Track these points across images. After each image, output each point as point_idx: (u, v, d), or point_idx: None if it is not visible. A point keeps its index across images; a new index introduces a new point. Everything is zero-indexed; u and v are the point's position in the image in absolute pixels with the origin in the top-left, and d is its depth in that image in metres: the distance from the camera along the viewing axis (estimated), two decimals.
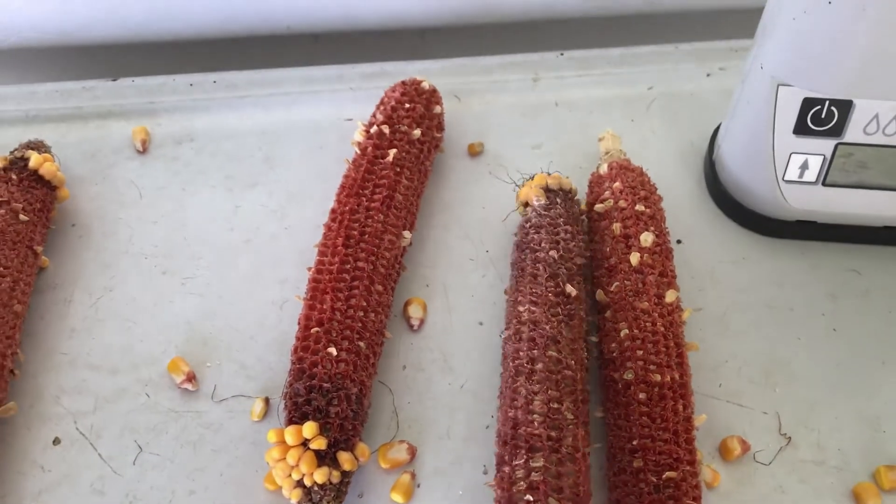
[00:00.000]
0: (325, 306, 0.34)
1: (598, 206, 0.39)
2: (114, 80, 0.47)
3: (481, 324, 0.38)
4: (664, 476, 0.31)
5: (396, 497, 0.33)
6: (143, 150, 0.44)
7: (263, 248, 0.41)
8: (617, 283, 0.36)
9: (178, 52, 0.52)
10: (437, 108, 0.42)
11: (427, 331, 0.38)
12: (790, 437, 0.35)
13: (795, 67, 0.35)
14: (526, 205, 0.39)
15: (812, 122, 0.37)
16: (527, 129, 0.45)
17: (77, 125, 0.45)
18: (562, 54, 0.48)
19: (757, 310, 0.39)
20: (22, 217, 0.38)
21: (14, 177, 0.39)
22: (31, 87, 0.47)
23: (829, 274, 0.40)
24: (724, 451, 0.35)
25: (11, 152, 0.41)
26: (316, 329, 0.34)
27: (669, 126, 0.45)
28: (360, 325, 0.34)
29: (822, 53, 0.34)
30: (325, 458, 0.32)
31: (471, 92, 0.47)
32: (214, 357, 0.37)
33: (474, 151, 0.44)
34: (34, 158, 0.40)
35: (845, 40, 0.33)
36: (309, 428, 0.31)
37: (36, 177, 0.40)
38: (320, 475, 0.31)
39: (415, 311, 0.38)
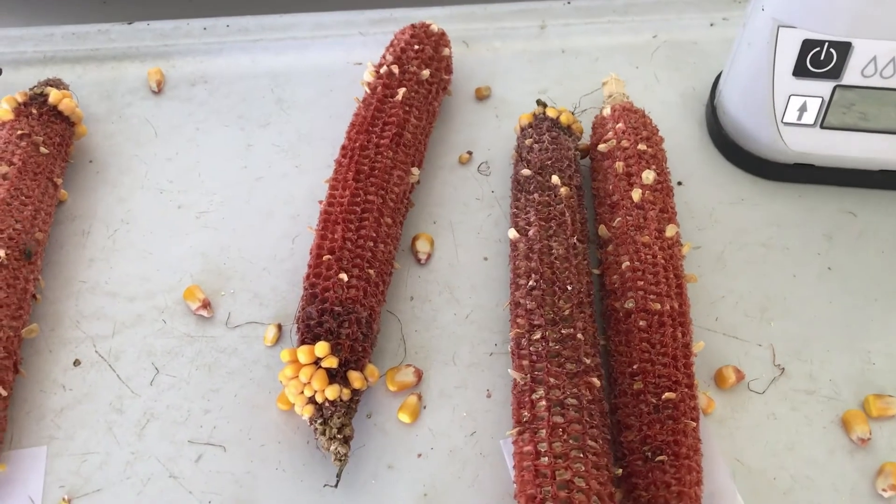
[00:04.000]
0: (336, 236, 0.36)
1: (602, 146, 0.40)
2: (129, 24, 0.48)
3: (486, 259, 0.39)
4: (663, 397, 0.32)
5: (403, 417, 0.35)
6: (159, 90, 0.45)
7: (275, 184, 0.42)
8: (619, 219, 0.37)
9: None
10: (446, 51, 0.43)
11: (434, 265, 0.39)
12: (783, 368, 0.36)
13: (796, 8, 0.36)
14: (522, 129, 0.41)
15: (811, 65, 0.38)
16: (533, 75, 0.46)
17: (93, 66, 0.46)
18: (569, 2, 0.49)
19: (754, 249, 0.40)
20: (42, 150, 0.39)
21: (34, 111, 0.40)
22: (49, 28, 0.48)
23: (825, 216, 0.41)
24: (719, 380, 0.36)
25: (31, 88, 0.42)
26: (328, 257, 0.35)
27: (673, 73, 0.46)
28: (369, 254, 0.36)
29: None
30: (335, 377, 0.33)
31: (479, 38, 0.48)
32: (228, 286, 0.38)
33: (481, 95, 0.45)
34: (53, 94, 0.41)
35: None
36: (321, 347, 0.33)
37: (55, 112, 0.41)
38: (331, 392, 0.32)
39: (422, 246, 0.39)
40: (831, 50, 0.37)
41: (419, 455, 0.34)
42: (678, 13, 0.48)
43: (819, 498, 0.33)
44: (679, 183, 0.42)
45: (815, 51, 0.37)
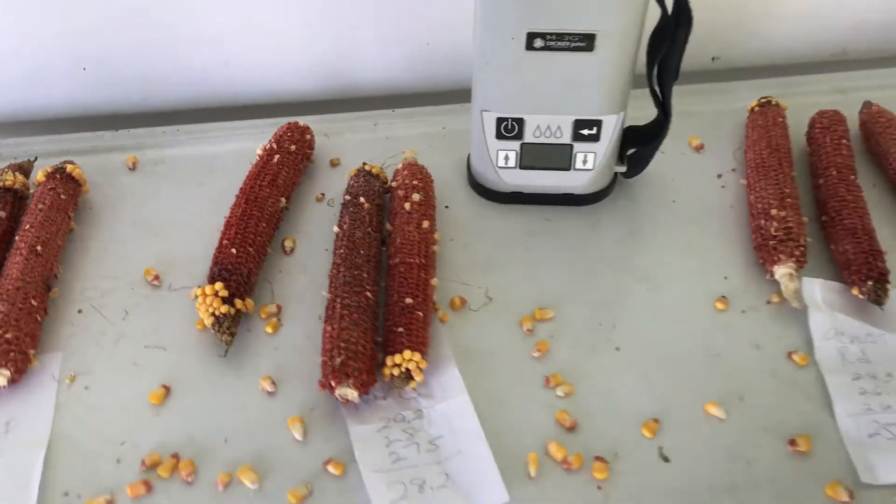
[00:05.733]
0: (231, 232, 0.62)
1: (394, 183, 0.67)
2: (115, 131, 0.76)
3: (326, 250, 0.66)
4: (406, 301, 0.58)
5: (268, 329, 0.60)
6: (133, 168, 0.73)
7: (208, 209, 0.68)
8: (397, 219, 0.64)
9: (157, 116, 0.82)
10: (308, 136, 0.72)
11: (296, 255, 0.66)
12: (491, 298, 0.62)
13: (490, 100, 0.65)
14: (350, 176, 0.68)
15: (505, 131, 0.66)
16: (367, 152, 0.74)
17: (94, 155, 0.74)
18: (393, 111, 0.78)
19: (486, 240, 0.67)
20: (62, 197, 0.66)
21: (58, 176, 0.68)
22: (66, 136, 0.76)
23: (530, 222, 0.68)
24: (452, 304, 0.62)
25: (56, 165, 0.69)
26: (226, 242, 0.62)
27: (451, 147, 0.74)
28: (250, 241, 0.62)
29: (501, 92, 0.64)
30: (226, 302, 0.59)
31: (336, 132, 0.76)
32: (179, 268, 0.64)
33: (334, 164, 0.73)
34: (69, 167, 0.69)
35: (511, 85, 0.63)
36: (218, 285, 0.59)
37: (70, 177, 0.68)
38: (224, 308, 0.58)
39: (288, 244, 0.66)
40: (514, 123, 0.65)
41: (276, 348, 0.59)
42: (460, 114, 0.77)
43: (505, 362, 0.58)
44: (447, 206, 0.69)
45: (504, 123, 0.65)
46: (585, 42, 0.58)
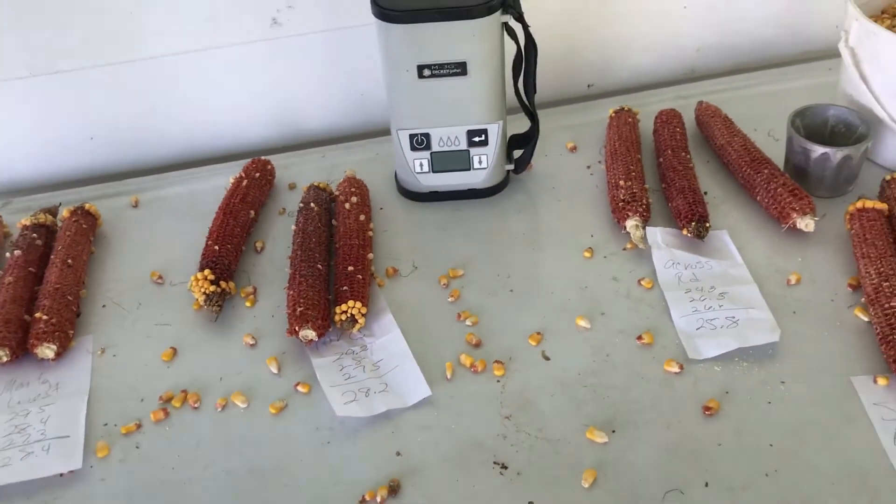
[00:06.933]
0: (214, 236, 0.82)
1: (337, 192, 0.88)
2: (122, 181, 0.97)
3: (288, 247, 0.85)
4: (349, 268, 0.77)
5: (247, 304, 0.79)
6: (136, 205, 0.93)
7: (197, 223, 0.88)
8: (340, 216, 0.84)
9: (151, 171, 1.02)
10: (269, 166, 0.93)
11: (265, 253, 0.86)
12: (416, 267, 0.82)
13: (400, 121, 0.85)
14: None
15: (417, 144, 0.86)
16: (318, 176, 0.95)
17: (106, 198, 0.94)
18: (338, 145, 0.99)
19: (412, 230, 0.87)
20: (83, 226, 0.86)
21: (79, 212, 0.88)
22: (81, 188, 0.96)
23: (444, 213, 0.88)
24: (387, 272, 0.81)
25: (76, 206, 0.89)
26: (210, 243, 0.81)
27: (383, 167, 0.95)
28: (229, 241, 0.82)
29: (408, 113, 0.85)
30: (213, 283, 0.78)
31: (292, 164, 0.97)
32: (177, 267, 0.84)
33: (291, 187, 0.94)
34: (87, 205, 0.89)
35: (413, 106, 0.84)
36: (207, 272, 0.78)
37: (87, 213, 0.88)
38: (212, 288, 0.77)
39: (259, 245, 0.86)
40: (422, 137, 0.86)
41: (254, 316, 0.78)
42: (387, 143, 0.98)
43: (428, 307, 0.77)
44: (381, 208, 0.89)
45: (415, 138, 0.86)
46: (460, 69, 0.79)
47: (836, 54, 0.90)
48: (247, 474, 0.66)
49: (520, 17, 0.80)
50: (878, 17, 0.90)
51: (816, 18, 1.08)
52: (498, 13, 0.79)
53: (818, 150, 0.82)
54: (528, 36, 0.80)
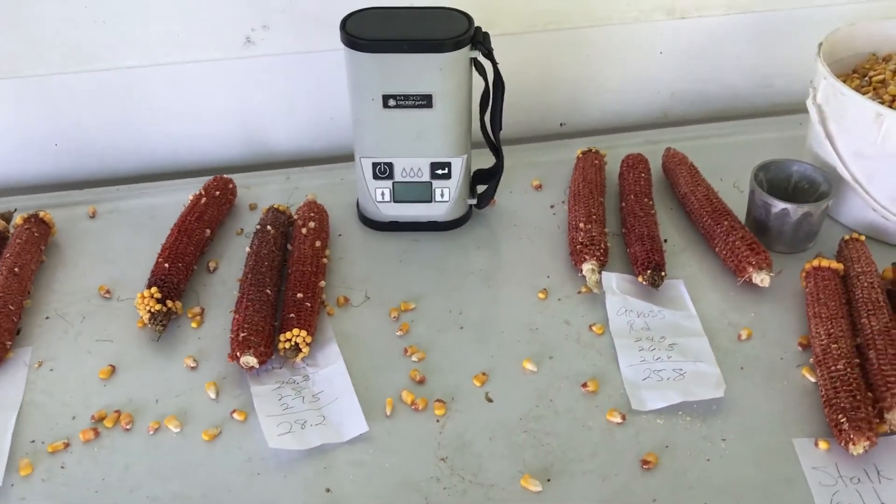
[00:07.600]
0: (165, 253, 0.81)
1: (296, 216, 0.87)
2: (80, 189, 0.96)
3: (241, 269, 0.84)
4: (298, 295, 0.76)
5: (193, 325, 0.78)
6: (93, 216, 0.92)
7: (151, 237, 0.87)
8: (296, 241, 0.83)
9: (113, 181, 1.01)
10: (231, 185, 0.92)
11: (218, 273, 0.84)
12: (369, 297, 0.81)
13: (364, 148, 0.85)
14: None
15: (380, 173, 0.86)
16: (280, 198, 0.94)
17: (62, 207, 0.93)
18: (303, 168, 0.98)
19: (369, 259, 0.86)
20: (35, 234, 0.85)
21: (32, 220, 0.86)
22: (40, 194, 0.95)
23: (403, 243, 0.88)
24: (338, 301, 0.80)
25: (30, 212, 0.88)
26: (161, 260, 0.80)
27: (346, 193, 0.94)
28: (181, 259, 0.81)
29: (372, 141, 0.84)
30: (159, 302, 0.77)
31: (255, 185, 0.96)
32: (124, 286, 0.82)
33: (252, 207, 0.93)
34: (41, 213, 0.87)
35: (378, 135, 0.83)
36: (154, 290, 0.77)
37: (42, 221, 0.87)
38: (157, 307, 0.76)
39: (212, 265, 0.85)
40: (385, 166, 0.85)
41: (199, 338, 0.77)
42: (352, 169, 0.97)
43: (376, 340, 0.76)
44: (340, 234, 0.89)
45: (378, 166, 0.85)
46: (426, 100, 0.79)
47: (806, 109, 0.90)
48: (172, 500, 0.64)
49: (488, 54, 0.79)
50: (847, 76, 0.91)
51: (789, 72, 1.08)
52: (466, 48, 0.78)
53: (779, 205, 0.82)
54: (497, 73, 0.80)
